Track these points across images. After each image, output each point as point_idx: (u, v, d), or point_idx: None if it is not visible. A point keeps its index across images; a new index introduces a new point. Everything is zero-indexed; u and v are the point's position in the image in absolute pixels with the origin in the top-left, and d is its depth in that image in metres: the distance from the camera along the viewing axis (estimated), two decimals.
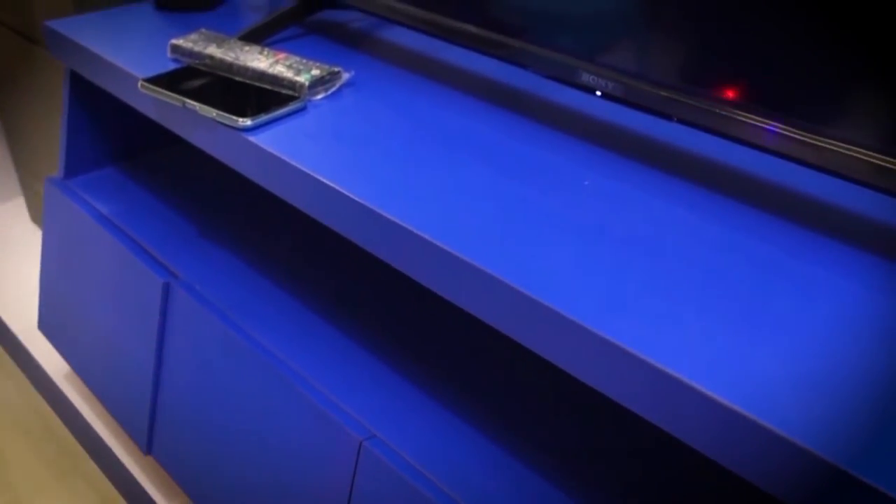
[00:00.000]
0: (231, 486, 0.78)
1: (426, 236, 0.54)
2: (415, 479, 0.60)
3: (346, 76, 0.74)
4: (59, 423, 1.12)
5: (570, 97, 0.77)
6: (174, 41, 0.78)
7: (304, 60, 0.74)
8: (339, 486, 0.66)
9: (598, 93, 0.62)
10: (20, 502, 1.00)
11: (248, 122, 0.66)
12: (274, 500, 0.73)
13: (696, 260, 0.53)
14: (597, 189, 0.61)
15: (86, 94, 0.95)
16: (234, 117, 0.66)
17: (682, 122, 0.58)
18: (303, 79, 0.71)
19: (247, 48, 0.76)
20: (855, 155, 0.50)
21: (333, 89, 0.73)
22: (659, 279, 0.50)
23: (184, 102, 0.68)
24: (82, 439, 1.09)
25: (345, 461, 0.65)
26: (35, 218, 1.48)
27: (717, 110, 0.55)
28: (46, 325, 1.05)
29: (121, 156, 1.03)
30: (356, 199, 0.58)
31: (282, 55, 0.75)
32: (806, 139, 0.52)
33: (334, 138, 0.66)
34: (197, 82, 0.72)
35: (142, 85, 0.71)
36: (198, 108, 0.67)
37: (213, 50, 0.76)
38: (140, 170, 1.02)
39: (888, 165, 0.48)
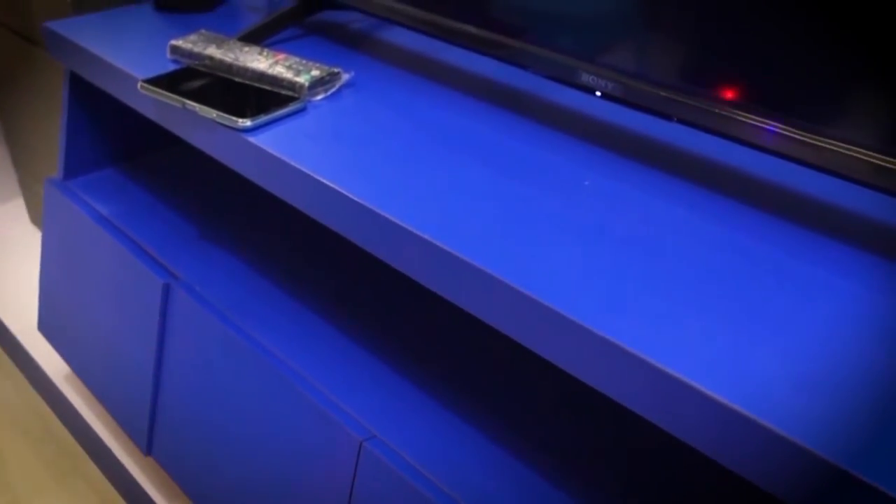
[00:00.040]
0: (231, 486, 0.78)
1: (426, 236, 0.54)
2: (415, 480, 0.60)
3: (345, 77, 0.74)
4: (58, 424, 1.12)
5: (570, 97, 0.77)
6: (174, 42, 0.78)
7: (304, 61, 0.74)
8: (340, 486, 0.66)
9: (598, 93, 0.62)
10: (19, 503, 1.00)
11: (247, 122, 0.66)
12: (274, 500, 0.73)
13: (695, 260, 0.53)
14: (597, 189, 0.61)
15: (85, 95, 0.95)
16: (234, 118, 0.66)
17: (681, 122, 0.58)
18: (302, 79, 0.71)
19: (246, 49, 0.76)
20: (854, 155, 0.50)
21: (333, 90, 0.73)
22: (659, 279, 0.50)
23: (184, 103, 0.68)
24: (82, 440, 1.09)
25: (345, 461, 0.65)
26: (34, 219, 1.48)
27: (717, 110, 0.55)
28: (46, 326, 1.05)
29: (120, 157, 1.03)
30: (356, 199, 0.58)
31: (281, 56, 0.75)
32: (805, 139, 0.52)
33: (334, 139, 0.66)
34: (197, 83, 0.72)
35: (141, 86, 0.71)
36: (198, 108, 0.67)
37: (212, 51, 0.76)
38: (140, 171, 1.02)
39: (887, 165, 0.49)
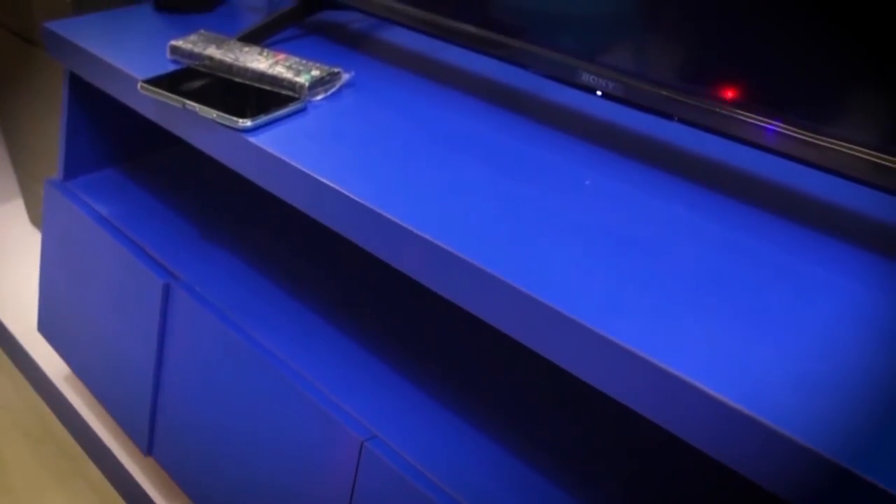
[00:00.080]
0: (232, 487, 0.78)
1: (427, 236, 0.54)
2: (416, 480, 0.60)
3: (345, 77, 0.74)
4: (58, 425, 1.12)
5: (571, 97, 0.77)
6: (173, 42, 0.78)
7: (304, 61, 0.74)
8: (341, 486, 0.66)
9: (599, 93, 0.62)
10: None
11: (248, 122, 0.66)
12: (275, 501, 0.73)
13: (696, 259, 0.53)
14: (597, 189, 0.61)
15: (85, 95, 0.95)
16: (235, 118, 0.66)
17: (682, 121, 0.58)
18: (303, 79, 0.71)
19: (246, 49, 0.76)
20: (854, 153, 0.50)
21: (333, 90, 0.73)
22: (659, 278, 0.50)
23: (184, 104, 0.68)
24: (82, 441, 1.09)
25: (346, 461, 0.65)
26: (34, 220, 1.48)
27: (718, 110, 0.55)
28: (46, 326, 1.05)
29: (120, 157, 1.03)
30: (356, 199, 0.58)
31: (281, 56, 0.75)
32: (806, 138, 0.52)
33: (334, 139, 0.66)
34: (197, 83, 0.72)
35: (142, 86, 0.71)
36: (198, 109, 0.67)
37: (212, 51, 0.76)
38: (140, 171, 1.02)
39: (887, 163, 0.49)
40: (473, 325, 0.78)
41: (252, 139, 0.65)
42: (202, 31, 0.81)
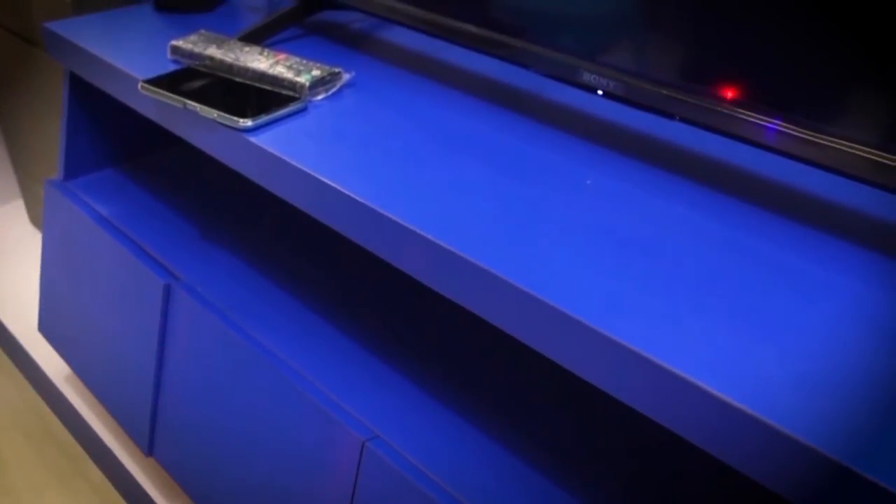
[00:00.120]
0: (233, 487, 0.78)
1: (428, 236, 0.54)
2: (418, 480, 0.60)
3: (346, 77, 0.74)
4: (59, 425, 1.12)
5: (572, 96, 0.77)
6: (174, 42, 0.78)
7: (305, 61, 0.74)
8: (342, 486, 0.66)
9: (600, 92, 0.62)
10: None
11: (248, 122, 0.66)
12: (276, 501, 0.73)
13: (697, 258, 0.53)
14: (598, 188, 0.61)
15: (85, 95, 0.95)
16: (235, 118, 0.66)
17: (683, 120, 0.58)
18: (303, 79, 0.71)
19: (247, 49, 0.76)
20: (854, 152, 0.50)
21: (334, 90, 0.73)
22: (660, 277, 0.50)
23: (184, 104, 0.68)
24: (83, 441, 1.09)
25: (347, 462, 0.65)
26: (34, 220, 1.48)
27: (719, 108, 0.55)
28: (47, 327, 1.05)
29: (120, 157, 1.03)
30: (358, 198, 0.58)
31: (282, 56, 0.75)
32: (806, 136, 0.52)
33: (335, 139, 0.66)
34: (197, 83, 0.72)
35: (142, 86, 0.71)
36: (198, 109, 0.67)
37: (213, 51, 0.76)
38: (140, 171, 1.02)
39: (887, 162, 0.49)
40: (475, 325, 0.78)
41: (253, 139, 0.65)
42: (202, 31, 0.81)
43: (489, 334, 0.77)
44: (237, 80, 0.73)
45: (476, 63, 0.83)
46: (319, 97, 0.72)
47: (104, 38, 0.84)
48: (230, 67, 0.74)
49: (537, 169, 0.63)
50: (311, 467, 0.69)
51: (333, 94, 0.73)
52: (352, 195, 0.58)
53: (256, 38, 0.82)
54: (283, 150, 0.64)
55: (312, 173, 0.61)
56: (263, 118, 0.66)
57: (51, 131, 1.23)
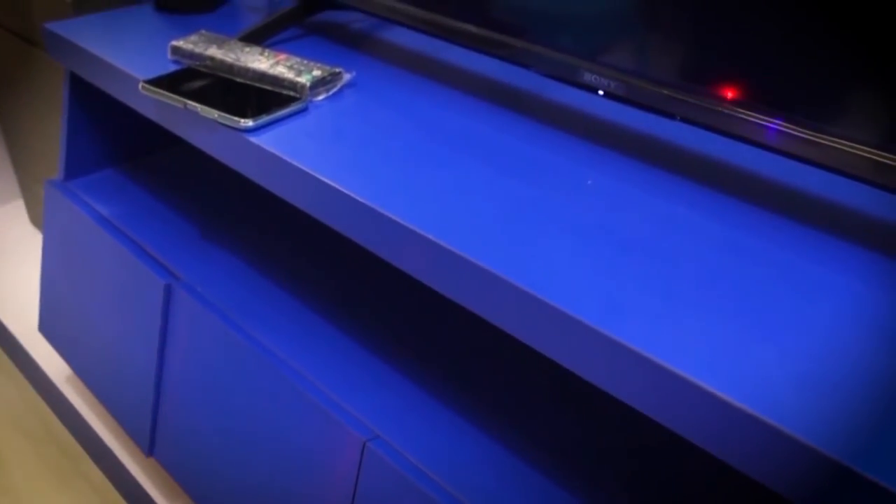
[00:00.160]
0: (234, 487, 0.78)
1: (428, 236, 0.54)
2: (419, 480, 0.60)
3: (347, 77, 0.74)
4: (59, 425, 1.12)
5: (572, 96, 0.77)
6: (174, 43, 0.78)
7: (305, 61, 0.74)
8: (343, 487, 0.66)
9: (601, 92, 0.62)
10: None
11: (249, 122, 0.66)
12: (277, 501, 0.73)
13: (697, 258, 0.53)
14: (599, 188, 0.61)
15: (86, 95, 0.95)
16: (236, 118, 0.66)
17: (684, 120, 0.58)
18: (304, 79, 0.71)
19: (247, 49, 0.76)
20: (855, 152, 0.50)
21: (335, 90, 0.73)
22: (661, 278, 0.51)
23: (185, 104, 0.68)
24: (83, 441, 1.09)
25: (348, 462, 0.65)
26: (34, 220, 1.48)
27: (719, 108, 0.55)
28: (47, 327, 1.05)
29: (121, 157, 1.03)
30: (358, 198, 0.58)
31: (282, 56, 0.75)
32: (807, 136, 0.52)
33: (336, 139, 0.66)
34: (198, 84, 0.72)
35: (143, 87, 0.72)
36: (199, 109, 0.67)
37: (213, 51, 0.76)
38: (140, 171, 1.02)
39: (888, 161, 0.49)
40: (475, 325, 0.78)
41: (253, 139, 0.65)
42: (203, 31, 0.81)
43: (489, 334, 0.77)
44: (238, 80, 0.73)
45: (476, 63, 0.83)
46: (320, 97, 0.72)
47: (105, 39, 0.84)
48: (231, 68, 0.74)
49: (538, 169, 0.63)
50: (312, 467, 0.69)
51: (334, 94, 0.73)
52: (352, 195, 0.58)
53: (257, 38, 0.82)
54: (283, 150, 0.64)
55: (313, 173, 0.61)
56: (264, 118, 0.67)
57: (51, 131, 1.23)
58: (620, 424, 0.68)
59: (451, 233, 0.54)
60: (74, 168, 0.98)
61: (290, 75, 0.71)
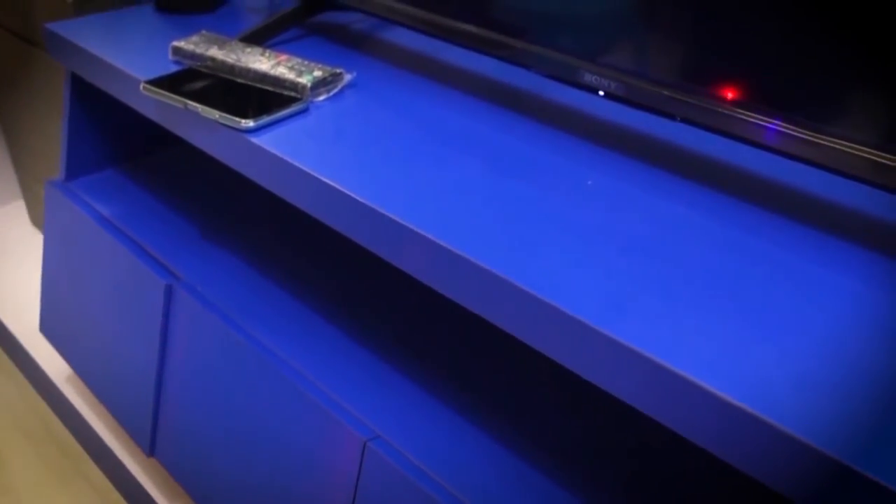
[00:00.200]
0: (234, 487, 0.78)
1: (429, 236, 0.54)
2: (419, 480, 0.61)
3: (347, 77, 0.74)
4: (60, 425, 1.12)
5: (573, 97, 0.77)
6: (175, 43, 0.78)
7: (306, 62, 0.74)
8: (344, 487, 0.66)
9: (601, 92, 0.62)
10: None
11: (250, 123, 0.66)
12: (277, 501, 0.73)
13: (697, 258, 0.53)
14: (599, 188, 0.61)
15: (86, 96, 0.95)
16: (237, 119, 0.66)
17: (684, 121, 0.58)
18: (305, 80, 0.71)
19: (248, 50, 0.76)
20: (854, 152, 0.50)
21: (335, 90, 0.73)
22: (661, 278, 0.51)
23: (186, 104, 0.68)
24: (84, 441, 1.09)
25: (349, 462, 0.65)
26: (35, 220, 1.48)
27: (719, 109, 0.56)
28: (48, 327, 1.05)
29: (122, 158, 1.03)
30: (359, 199, 0.58)
31: (283, 57, 0.75)
32: (806, 137, 0.52)
33: (336, 139, 0.66)
34: (199, 84, 0.72)
35: (144, 87, 0.72)
36: (200, 109, 0.68)
37: (214, 52, 0.76)
38: (141, 171, 1.02)
39: (887, 162, 0.49)
40: (476, 325, 0.78)
41: (254, 139, 0.65)
42: (204, 31, 0.81)
43: (489, 334, 0.77)
44: (239, 80, 0.73)
45: (476, 63, 0.84)
46: (321, 98, 0.72)
47: (105, 39, 0.84)
48: (232, 68, 0.74)
49: (538, 169, 0.63)
50: (313, 467, 0.69)
51: (335, 94, 0.73)
52: (353, 195, 0.58)
53: (258, 38, 0.82)
54: (284, 150, 0.64)
55: (314, 173, 0.61)
56: (265, 119, 0.67)
57: (52, 132, 1.23)
58: (620, 424, 0.68)
59: (451, 233, 0.54)
60: (75, 168, 0.98)
61: (291, 76, 0.72)
